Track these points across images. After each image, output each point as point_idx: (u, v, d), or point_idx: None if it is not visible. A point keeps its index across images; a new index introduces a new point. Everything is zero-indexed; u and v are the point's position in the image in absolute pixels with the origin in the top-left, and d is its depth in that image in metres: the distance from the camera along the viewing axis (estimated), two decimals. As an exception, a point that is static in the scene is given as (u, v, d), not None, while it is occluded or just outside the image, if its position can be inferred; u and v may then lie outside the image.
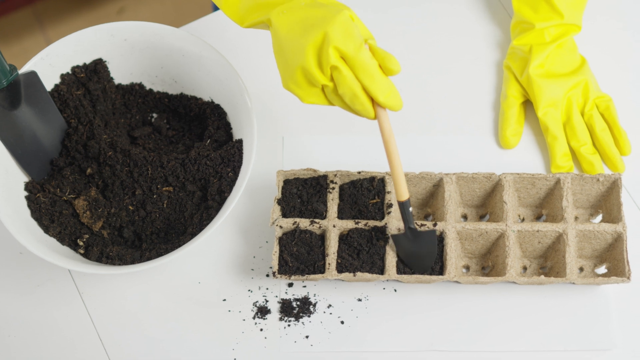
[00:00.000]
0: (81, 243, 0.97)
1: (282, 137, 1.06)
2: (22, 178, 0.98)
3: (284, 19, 0.83)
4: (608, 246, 0.96)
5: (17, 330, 0.97)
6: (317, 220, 0.95)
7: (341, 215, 0.97)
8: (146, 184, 0.98)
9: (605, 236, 0.95)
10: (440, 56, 1.11)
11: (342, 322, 0.96)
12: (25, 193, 0.97)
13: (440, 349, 0.95)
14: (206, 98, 1.04)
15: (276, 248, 0.94)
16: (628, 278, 0.93)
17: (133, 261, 0.94)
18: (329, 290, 0.97)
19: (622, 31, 1.12)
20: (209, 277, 0.98)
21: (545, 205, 0.99)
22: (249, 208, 1.01)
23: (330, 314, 0.96)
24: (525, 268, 0.98)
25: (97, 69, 1.02)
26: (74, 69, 1.02)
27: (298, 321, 0.96)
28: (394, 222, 0.95)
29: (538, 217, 1.00)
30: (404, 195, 0.88)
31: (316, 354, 0.95)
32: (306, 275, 0.93)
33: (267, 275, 0.98)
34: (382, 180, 0.97)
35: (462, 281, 0.95)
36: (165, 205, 0.98)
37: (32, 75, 0.96)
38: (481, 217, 1.00)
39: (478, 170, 1.03)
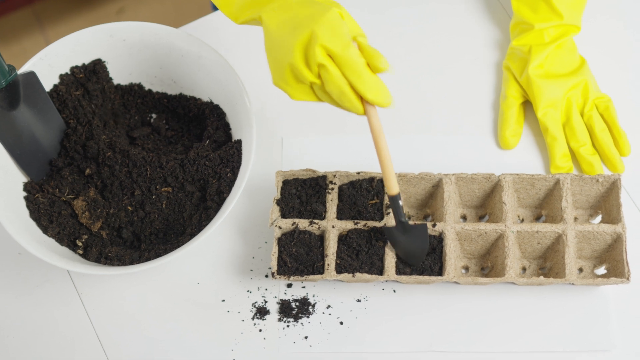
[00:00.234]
0: (80, 243, 0.96)
1: (281, 137, 1.05)
2: (20, 178, 0.98)
3: (274, 16, 0.84)
4: (607, 247, 0.96)
5: (16, 330, 0.97)
6: (316, 220, 0.95)
7: (340, 215, 0.96)
8: (145, 185, 0.97)
9: (605, 237, 0.95)
10: (439, 56, 1.11)
11: (341, 323, 0.96)
12: (24, 193, 0.97)
13: (439, 350, 0.95)
14: (205, 98, 1.04)
15: (275, 249, 0.94)
16: (627, 279, 0.93)
17: (132, 262, 0.94)
18: (328, 291, 0.97)
19: (622, 31, 1.12)
20: (208, 278, 0.98)
21: (545, 206, 0.99)
22: (248, 209, 1.01)
23: (330, 314, 0.96)
24: (524, 269, 0.98)
25: (96, 69, 1.02)
26: (72, 69, 1.02)
27: (297, 322, 0.96)
28: (393, 223, 0.95)
29: (537, 218, 1.00)
30: (394, 189, 0.88)
31: (315, 355, 0.95)
32: (305, 276, 0.93)
33: (266, 276, 0.98)
34: (381, 181, 0.97)
35: (462, 282, 0.95)
36: (164, 206, 0.98)
37: (31, 76, 0.96)
38: (480, 218, 1.00)
39: (477, 170, 1.03)
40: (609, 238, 0.95)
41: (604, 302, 0.96)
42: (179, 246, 0.94)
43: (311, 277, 0.93)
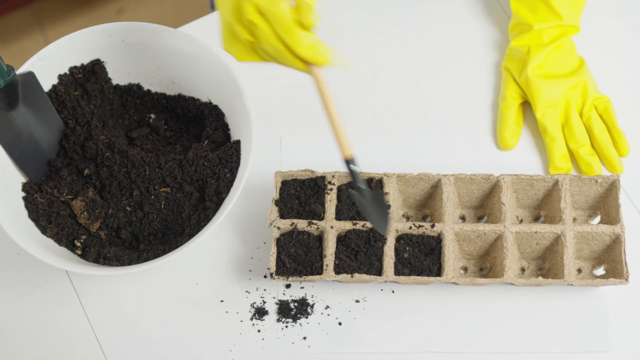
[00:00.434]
0: (78, 244, 0.96)
1: (280, 138, 1.05)
2: (19, 179, 0.98)
3: None
4: (606, 248, 0.96)
5: (15, 331, 0.97)
6: (314, 221, 0.95)
7: (339, 216, 0.96)
8: (144, 185, 0.97)
9: (604, 238, 0.95)
10: (438, 57, 1.11)
11: (340, 324, 0.96)
12: (23, 194, 0.97)
13: (438, 351, 0.95)
14: (204, 99, 1.04)
15: (274, 249, 0.94)
16: (626, 280, 0.93)
17: (130, 262, 0.94)
18: (326, 292, 0.97)
19: (621, 31, 1.12)
20: (207, 278, 0.98)
21: (544, 207, 0.99)
22: (246, 209, 1.01)
23: (328, 315, 0.96)
24: (523, 269, 0.98)
25: (95, 69, 1.02)
26: (71, 69, 1.02)
27: (296, 322, 0.96)
28: (391, 224, 0.95)
29: (536, 219, 1.00)
30: (348, 151, 0.85)
31: (314, 355, 0.94)
32: (304, 277, 0.93)
33: (265, 277, 0.98)
34: (380, 182, 0.97)
35: (460, 282, 0.95)
36: (162, 206, 0.98)
37: (30, 76, 0.96)
38: (479, 219, 1.00)
39: (476, 171, 1.03)
40: (607, 239, 0.95)
41: (603, 302, 0.96)
42: (177, 246, 0.94)
43: (310, 277, 0.93)
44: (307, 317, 0.96)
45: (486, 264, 0.97)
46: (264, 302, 0.97)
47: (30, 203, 0.97)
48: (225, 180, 0.96)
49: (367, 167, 1.03)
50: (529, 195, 0.99)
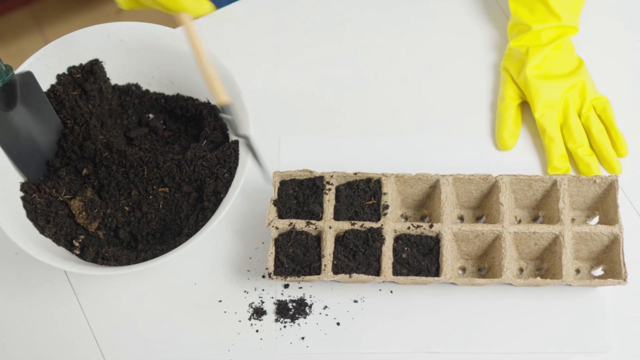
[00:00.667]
0: (77, 244, 0.96)
1: (279, 138, 1.05)
2: (17, 179, 0.98)
3: None
4: (604, 248, 0.96)
5: (13, 330, 0.97)
6: (313, 221, 0.95)
7: (337, 216, 0.96)
8: (142, 185, 0.97)
9: (602, 238, 0.95)
10: (437, 57, 1.11)
11: (338, 324, 0.96)
12: (21, 194, 0.97)
13: (436, 351, 0.95)
14: (202, 99, 1.04)
15: (272, 249, 0.94)
16: (624, 280, 0.93)
17: (129, 262, 0.94)
18: (324, 292, 0.97)
19: (621, 31, 1.12)
20: (205, 278, 0.98)
21: (542, 207, 0.99)
22: (245, 209, 1.01)
23: (326, 315, 0.96)
24: (521, 270, 0.98)
25: (94, 69, 1.02)
26: (70, 69, 1.02)
27: (294, 322, 0.96)
28: (390, 224, 0.95)
29: (535, 219, 1.00)
30: (223, 98, 0.84)
31: (312, 356, 0.94)
32: (302, 277, 0.93)
33: (263, 277, 0.98)
34: (378, 182, 0.97)
35: (458, 283, 0.95)
36: (161, 206, 0.98)
37: (28, 76, 0.96)
38: (478, 219, 1.00)
39: (475, 171, 1.03)
40: (606, 239, 0.95)
41: (601, 303, 0.96)
42: (175, 246, 0.94)
43: (308, 277, 0.93)
44: (305, 317, 0.96)
45: (484, 264, 0.97)
46: (262, 302, 0.97)
47: (29, 203, 0.97)
48: (223, 180, 0.96)
49: (365, 167, 1.03)
50: (528, 196, 0.99)
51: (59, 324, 0.97)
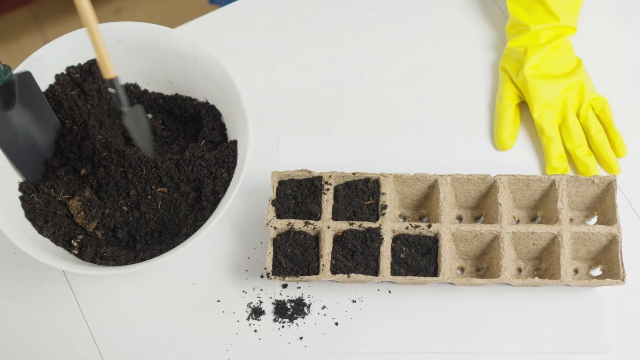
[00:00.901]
0: (75, 244, 0.96)
1: (277, 138, 1.05)
2: (16, 178, 0.98)
3: None
4: (603, 248, 0.96)
5: (12, 330, 0.97)
6: (311, 221, 0.95)
7: (335, 216, 0.96)
8: (140, 185, 0.97)
9: (600, 238, 0.95)
10: (436, 57, 1.11)
11: (337, 324, 0.96)
12: (19, 193, 0.97)
13: (434, 351, 0.95)
14: (201, 99, 1.04)
15: (270, 249, 0.94)
16: (623, 280, 0.93)
17: (127, 262, 0.94)
18: (323, 292, 0.97)
19: (620, 31, 1.12)
20: (203, 278, 0.98)
21: (540, 207, 0.99)
22: (243, 209, 1.01)
23: (325, 315, 0.96)
24: (520, 270, 0.98)
25: (92, 69, 1.02)
26: (68, 69, 1.02)
27: (292, 322, 0.96)
28: (388, 224, 0.95)
29: (533, 219, 1.00)
30: (112, 72, 0.87)
31: (310, 355, 0.94)
32: (300, 277, 0.93)
33: (262, 277, 0.98)
34: (376, 182, 0.97)
35: (457, 283, 0.95)
36: (159, 206, 0.98)
37: (27, 76, 0.96)
38: (476, 219, 1.00)
39: (473, 171, 1.03)
40: (604, 239, 0.95)
41: (600, 303, 0.96)
42: (174, 246, 0.94)
43: (306, 277, 0.93)
44: (303, 317, 0.96)
45: (483, 265, 0.97)
46: (261, 302, 0.97)
47: (27, 203, 0.97)
48: (222, 180, 0.96)
49: (364, 167, 1.03)
50: (526, 196, 0.99)
51: (58, 324, 0.97)
